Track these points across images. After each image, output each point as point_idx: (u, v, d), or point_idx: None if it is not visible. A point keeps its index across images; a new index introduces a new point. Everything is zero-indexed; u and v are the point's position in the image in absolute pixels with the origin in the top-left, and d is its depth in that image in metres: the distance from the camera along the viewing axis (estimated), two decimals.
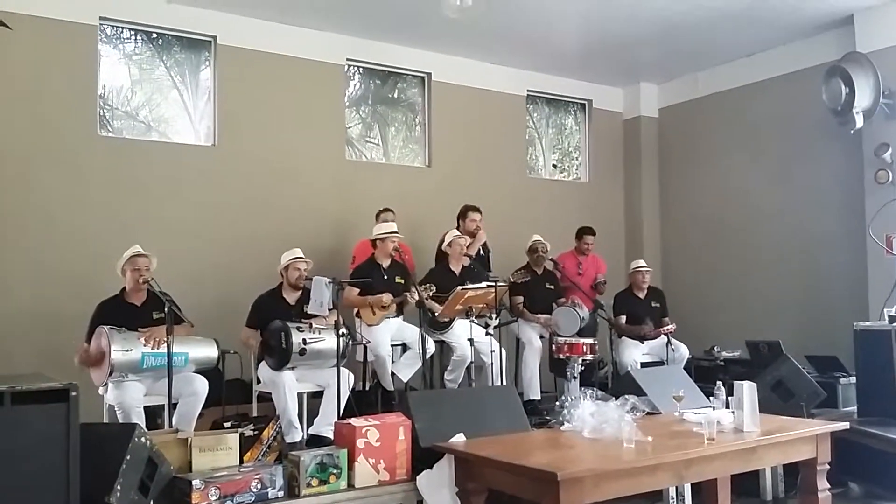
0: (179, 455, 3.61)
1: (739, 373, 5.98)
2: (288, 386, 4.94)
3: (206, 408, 4.79)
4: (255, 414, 5.10)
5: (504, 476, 3.39)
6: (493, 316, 5.80)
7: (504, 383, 5.85)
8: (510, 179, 8.39)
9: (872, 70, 6.68)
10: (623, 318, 6.92)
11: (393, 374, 5.80)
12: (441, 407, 4.22)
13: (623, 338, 6.87)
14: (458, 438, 3.81)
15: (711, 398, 4.25)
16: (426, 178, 7.94)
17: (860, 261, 6.95)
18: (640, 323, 6.84)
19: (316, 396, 5.23)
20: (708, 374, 6.26)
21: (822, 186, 7.56)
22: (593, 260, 7.46)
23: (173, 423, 4.56)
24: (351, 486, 3.73)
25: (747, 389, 3.83)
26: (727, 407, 4.06)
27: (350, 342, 5.15)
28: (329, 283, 4.96)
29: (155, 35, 6.87)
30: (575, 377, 5.96)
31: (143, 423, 4.28)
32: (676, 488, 4.37)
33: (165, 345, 4.51)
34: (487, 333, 5.77)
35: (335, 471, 3.69)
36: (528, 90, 8.75)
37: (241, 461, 3.74)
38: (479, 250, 6.79)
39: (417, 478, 3.82)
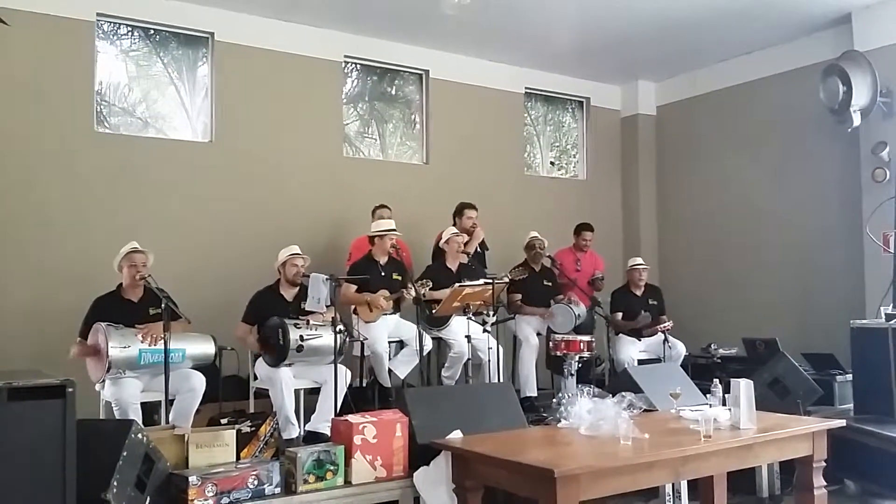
0: (176, 451, 3.61)
1: (736, 370, 5.99)
2: (285, 382, 4.94)
3: (202, 404, 4.79)
4: (251, 410, 5.11)
5: (501, 473, 3.40)
6: (491, 313, 5.80)
7: (501, 380, 5.85)
8: (508, 177, 8.39)
9: (870, 68, 6.68)
10: (620, 315, 6.93)
11: (390, 370, 5.81)
12: (438, 404, 4.22)
13: (620, 335, 6.88)
14: (455, 435, 3.81)
15: (708, 395, 4.26)
16: (423, 176, 7.94)
17: (857, 259, 6.96)
18: (634, 320, 6.84)
19: (313, 393, 5.23)
20: (705, 372, 6.27)
21: (820, 184, 7.57)
22: (591, 257, 7.46)
23: (170, 419, 4.56)
24: (348, 482, 3.74)
25: (744, 387, 3.84)
26: (724, 404, 4.07)
27: (347, 339, 5.15)
28: (326, 279, 4.96)
29: (152, 31, 6.85)
30: (572, 374, 5.99)
31: (139, 420, 4.29)
32: (673, 485, 4.38)
33: (162, 341, 4.51)
34: (485, 330, 5.78)
35: (332, 467, 3.69)
36: (525, 87, 8.75)
37: (238, 457, 3.74)
38: (476, 248, 6.79)
39: (414, 474, 3.82)
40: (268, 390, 5.05)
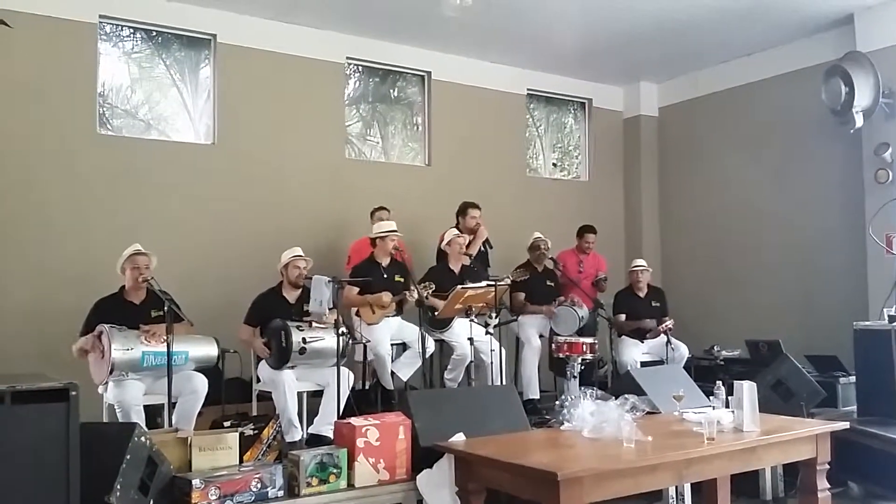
0: (179, 454, 3.61)
1: (739, 372, 5.98)
2: (288, 385, 4.93)
3: (205, 407, 4.78)
4: (254, 413, 5.10)
5: (504, 476, 3.39)
6: (493, 315, 5.80)
7: (504, 383, 5.84)
8: (510, 178, 8.39)
9: (872, 69, 6.68)
10: (623, 317, 6.92)
11: (393, 373, 5.80)
12: (441, 406, 4.22)
13: (623, 337, 6.87)
14: (458, 438, 3.81)
15: (711, 398, 4.25)
16: (426, 177, 7.93)
17: (860, 260, 6.95)
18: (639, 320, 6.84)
19: (316, 395, 5.22)
20: (708, 374, 6.25)
21: (822, 185, 7.56)
22: (594, 258, 7.46)
23: (173, 422, 4.56)
24: (351, 485, 3.73)
25: (747, 389, 3.83)
26: (727, 406, 4.06)
27: (350, 341, 5.15)
28: (329, 281, 4.96)
29: (154, 33, 6.86)
30: (575, 376, 5.97)
31: (142, 422, 4.28)
32: (676, 488, 4.38)
33: (165, 343, 4.51)
34: (487, 332, 5.77)
35: (335, 470, 3.69)
36: (528, 89, 8.75)
37: (241, 460, 3.74)
38: (480, 247, 6.80)
39: (417, 477, 3.82)
40: (270, 393, 5.05)
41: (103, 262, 5.13)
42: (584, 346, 5.97)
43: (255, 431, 3.95)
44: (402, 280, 5.95)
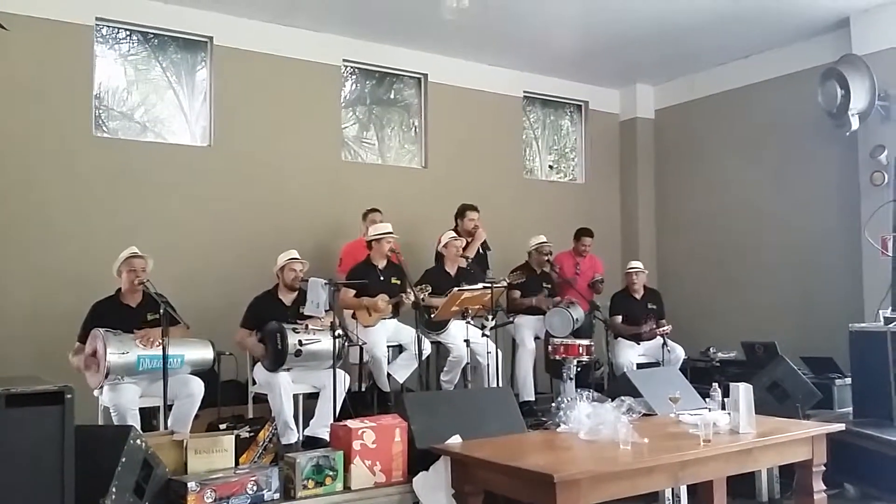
0: (175, 457, 3.61)
1: (735, 374, 5.99)
2: (284, 387, 4.93)
3: (201, 409, 4.78)
4: (250, 415, 5.09)
5: (500, 478, 3.40)
6: (490, 317, 5.80)
7: (500, 385, 5.85)
8: (506, 181, 8.39)
9: (868, 72, 6.69)
10: (619, 319, 6.93)
11: (389, 375, 5.80)
12: (437, 408, 4.22)
13: (619, 339, 6.88)
14: (455, 440, 3.81)
15: (707, 399, 4.26)
16: (422, 180, 7.93)
17: (856, 262, 6.96)
18: (637, 324, 6.84)
19: (312, 398, 5.22)
20: (704, 376, 6.25)
21: (818, 188, 7.58)
22: (591, 261, 7.47)
23: (169, 424, 4.54)
24: (347, 488, 3.73)
25: (743, 391, 3.84)
26: (723, 408, 4.07)
27: (346, 343, 5.15)
28: (325, 284, 4.96)
29: (151, 35, 6.85)
30: (571, 378, 5.97)
31: (138, 425, 4.28)
32: (672, 490, 4.37)
33: (161, 346, 4.50)
34: (484, 335, 5.78)
35: (331, 473, 3.69)
36: (524, 91, 8.75)
37: (237, 463, 3.74)
38: (478, 249, 6.80)
39: (414, 480, 3.82)
40: (266, 395, 5.05)
41: (102, 263, 5.12)
42: (581, 348, 5.97)
43: (251, 434, 3.95)
44: (398, 282, 5.95)
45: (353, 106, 8.05)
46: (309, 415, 5.13)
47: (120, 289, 4.90)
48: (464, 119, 8.14)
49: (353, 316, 5.82)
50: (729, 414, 3.90)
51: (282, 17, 6.96)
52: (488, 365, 5.79)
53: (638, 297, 7.05)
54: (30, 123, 6.04)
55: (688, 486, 4.29)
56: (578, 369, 6.05)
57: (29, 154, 6.01)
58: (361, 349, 5.59)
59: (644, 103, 9.30)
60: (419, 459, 3.86)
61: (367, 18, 7.03)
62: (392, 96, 8.28)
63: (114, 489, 3.14)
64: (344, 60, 7.59)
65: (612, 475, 3.25)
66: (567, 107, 9.42)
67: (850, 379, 5.69)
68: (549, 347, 6.21)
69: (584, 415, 3.80)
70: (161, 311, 4.55)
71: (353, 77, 7.96)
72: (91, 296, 4.90)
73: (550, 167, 9.43)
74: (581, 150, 9.41)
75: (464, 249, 6.47)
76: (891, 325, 5.29)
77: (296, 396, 5.12)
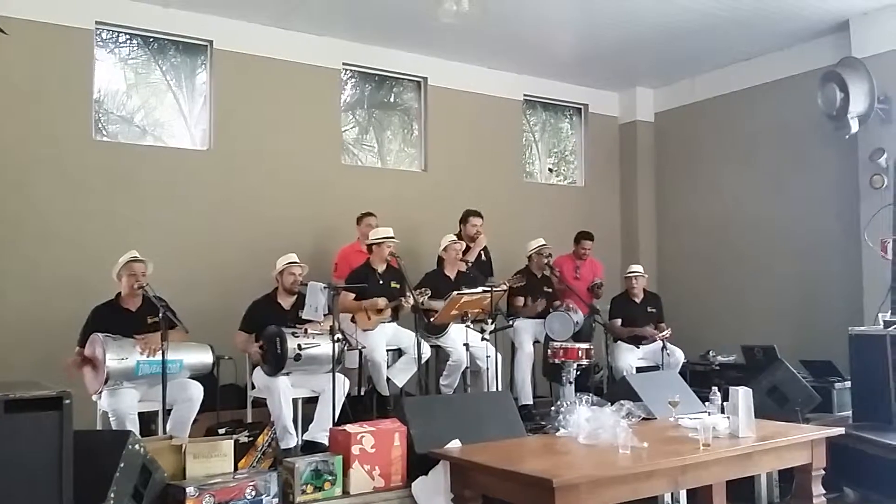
0: (173, 462, 3.60)
1: (735, 378, 5.97)
2: (283, 391, 4.93)
3: (200, 413, 4.78)
4: (249, 420, 5.10)
5: (499, 482, 3.39)
6: (490, 321, 5.80)
7: (500, 389, 5.84)
8: (506, 184, 8.39)
9: (867, 75, 6.70)
10: (619, 322, 6.93)
11: (388, 379, 5.79)
12: (436, 413, 4.22)
13: (619, 342, 6.88)
14: (454, 444, 3.81)
15: (707, 403, 4.25)
16: (422, 183, 7.93)
17: (855, 265, 6.96)
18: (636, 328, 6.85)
19: (311, 402, 5.21)
20: (703, 379, 6.26)
21: (818, 191, 7.57)
22: (590, 264, 7.46)
23: (167, 429, 4.55)
24: (346, 492, 3.73)
25: (743, 395, 3.84)
26: (723, 412, 4.06)
27: (345, 347, 5.14)
28: (324, 287, 4.96)
29: (151, 39, 6.86)
30: (570, 382, 5.96)
31: (136, 430, 4.28)
32: (672, 494, 4.36)
33: (160, 352, 4.50)
34: (483, 339, 5.77)
35: (330, 477, 3.69)
36: (524, 95, 8.76)
37: (236, 468, 3.74)
38: (479, 254, 6.80)
39: (413, 484, 3.82)
40: (265, 399, 5.04)
41: (101, 268, 5.12)
42: (580, 352, 5.97)
43: (250, 438, 3.95)
44: (398, 286, 5.95)
45: (352, 109, 8.05)
46: (308, 419, 5.13)
47: (119, 293, 4.90)
48: (463, 122, 8.14)
49: (353, 320, 5.82)
50: (728, 418, 3.89)
51: (281, 20, 6.97)
52: (488, 369, 5.79)
53: (638, 300, 7.05)
54: (30, 127, 6.04)
55: (687, 491, 4.28)
56: (578, 373, 6.04)
57: (29, 158, 6.02)
58: (361, 353, 5.59)
59: (644, 106, 9.30)
60: (418, 464, 3.85)
61: (366, 22, 7.04)
62: (392, 100, 8.28)
63: (112, 494, 3.14)
64: (343, 64, 7.59)
65: (612, 479, 3.25)
66: (567, 110, 9.42)
67: (849, 382, 5.67)
68: (549, 351, 6.20)
69: (583, 419, 3.79)
70: (160, 315, 4.55)
71: (353, 80, 7.97)
72: (90, 301, 4.90)
73: (550, 170, 9.43)
74: (581, 153, 9.41)
75: (464, 254, 6.47)
76: (890, 329, 5.28)
77: (295, 401, 5.11)
